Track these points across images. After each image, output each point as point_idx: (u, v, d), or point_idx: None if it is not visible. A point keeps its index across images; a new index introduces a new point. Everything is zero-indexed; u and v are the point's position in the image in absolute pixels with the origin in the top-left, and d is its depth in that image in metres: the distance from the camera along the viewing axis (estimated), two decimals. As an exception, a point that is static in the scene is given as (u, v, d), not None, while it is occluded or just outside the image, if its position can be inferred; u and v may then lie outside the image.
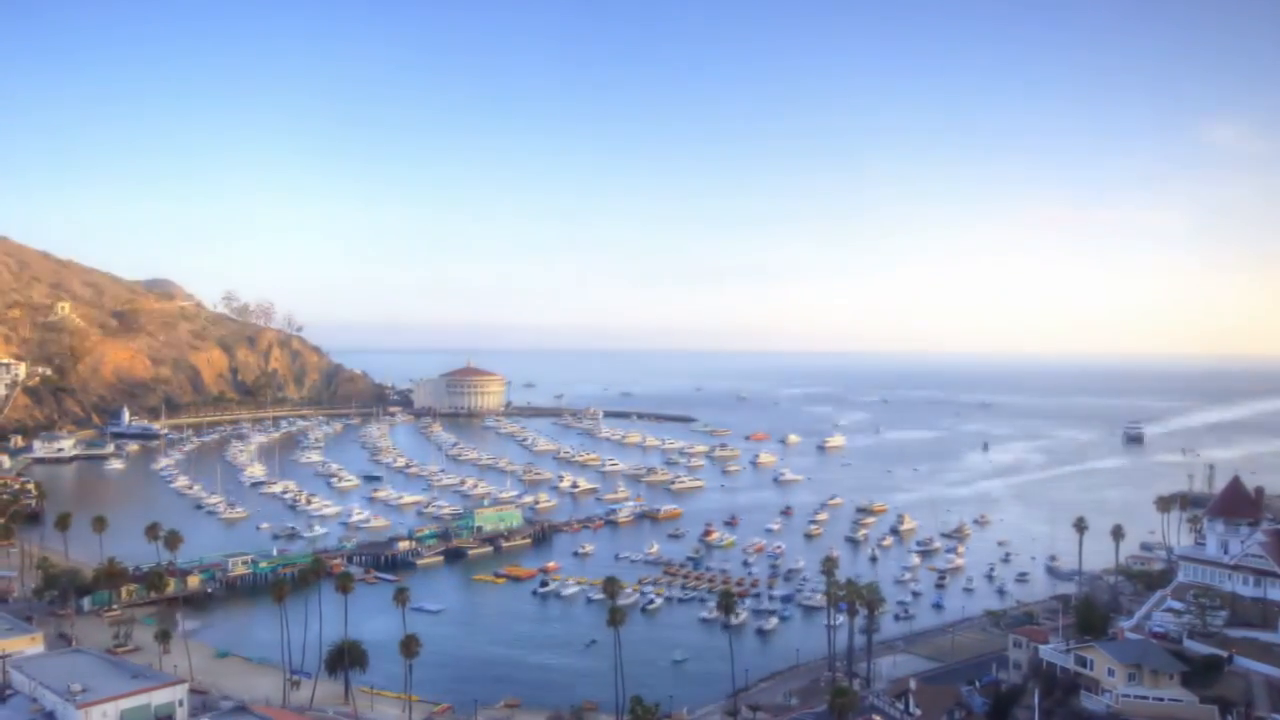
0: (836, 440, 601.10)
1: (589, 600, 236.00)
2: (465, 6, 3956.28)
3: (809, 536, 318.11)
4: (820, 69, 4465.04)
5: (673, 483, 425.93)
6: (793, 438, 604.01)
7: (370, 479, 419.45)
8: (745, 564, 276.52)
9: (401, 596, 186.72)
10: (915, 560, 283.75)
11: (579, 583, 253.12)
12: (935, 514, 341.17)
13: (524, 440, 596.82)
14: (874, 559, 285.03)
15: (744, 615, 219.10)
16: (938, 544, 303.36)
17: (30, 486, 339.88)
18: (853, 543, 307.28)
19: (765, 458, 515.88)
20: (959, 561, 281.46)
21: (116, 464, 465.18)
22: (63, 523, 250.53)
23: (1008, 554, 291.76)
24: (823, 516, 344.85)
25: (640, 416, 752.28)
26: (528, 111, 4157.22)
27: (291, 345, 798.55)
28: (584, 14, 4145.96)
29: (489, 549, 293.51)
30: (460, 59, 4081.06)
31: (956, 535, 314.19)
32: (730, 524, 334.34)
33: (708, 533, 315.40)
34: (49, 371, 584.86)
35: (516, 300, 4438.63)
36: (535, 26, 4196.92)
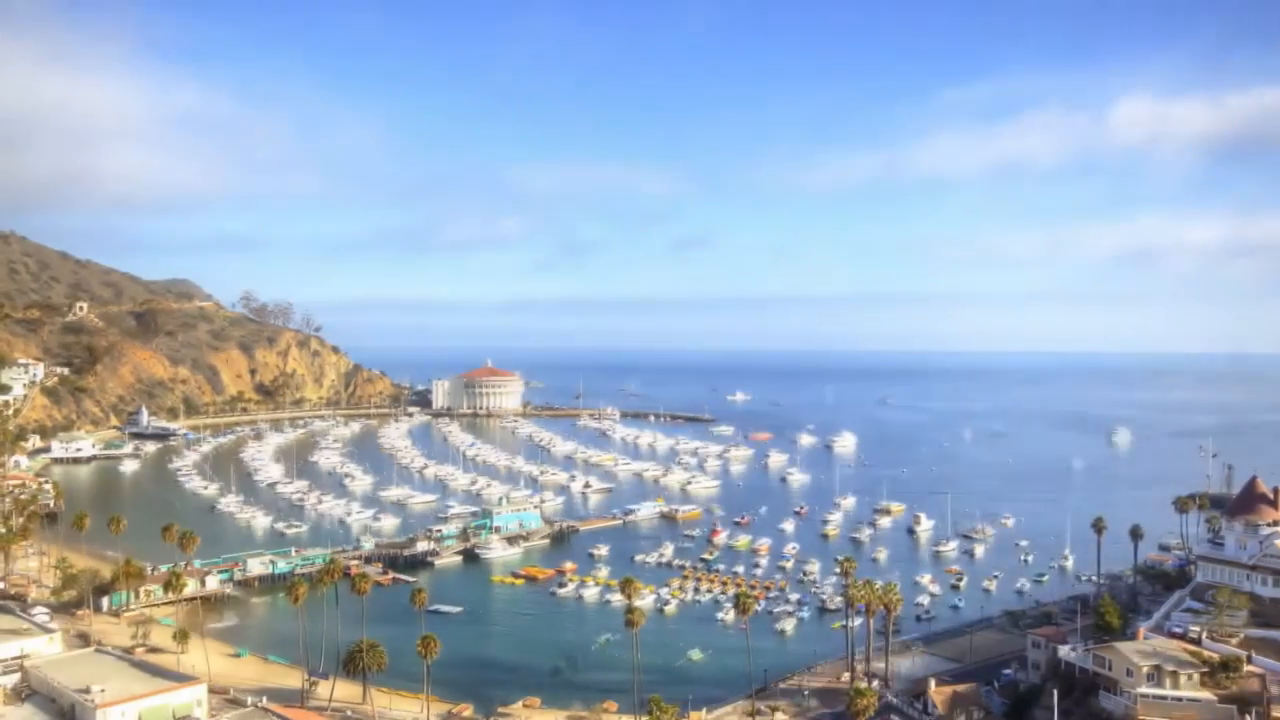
0: (845, 440, 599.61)
1: (607, 600, 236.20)
2: (487, 10, 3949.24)
3: (824, 536, 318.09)
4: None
5: (689, 483, 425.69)
6: (804, 438, 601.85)
7: (387, 479, 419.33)
8: (757, 565, 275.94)
9: (419, 597, 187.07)
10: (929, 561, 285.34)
11: (597, 583, 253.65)
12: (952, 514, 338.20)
13: (541, 441, 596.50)
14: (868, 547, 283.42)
15: (761, 615, 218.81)
16: (953, 544, 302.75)
17: (48, 486, 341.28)
18: (856, 542, 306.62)
19: (775, 458, 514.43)
20: (978, 556, 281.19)
21: (132, 464, 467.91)
22: (80, 522, 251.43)
23: (1026, 556, 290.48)
24: (835, 517, 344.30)
25: (657, 417, 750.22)
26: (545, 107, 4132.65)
27: (310, 345, 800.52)
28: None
29: (507, 550, 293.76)
30: (472, 58, 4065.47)
31: (975, 536, 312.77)
32: (740, 524, 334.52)
33: (714, 532, 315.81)
34: (67, 372, 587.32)
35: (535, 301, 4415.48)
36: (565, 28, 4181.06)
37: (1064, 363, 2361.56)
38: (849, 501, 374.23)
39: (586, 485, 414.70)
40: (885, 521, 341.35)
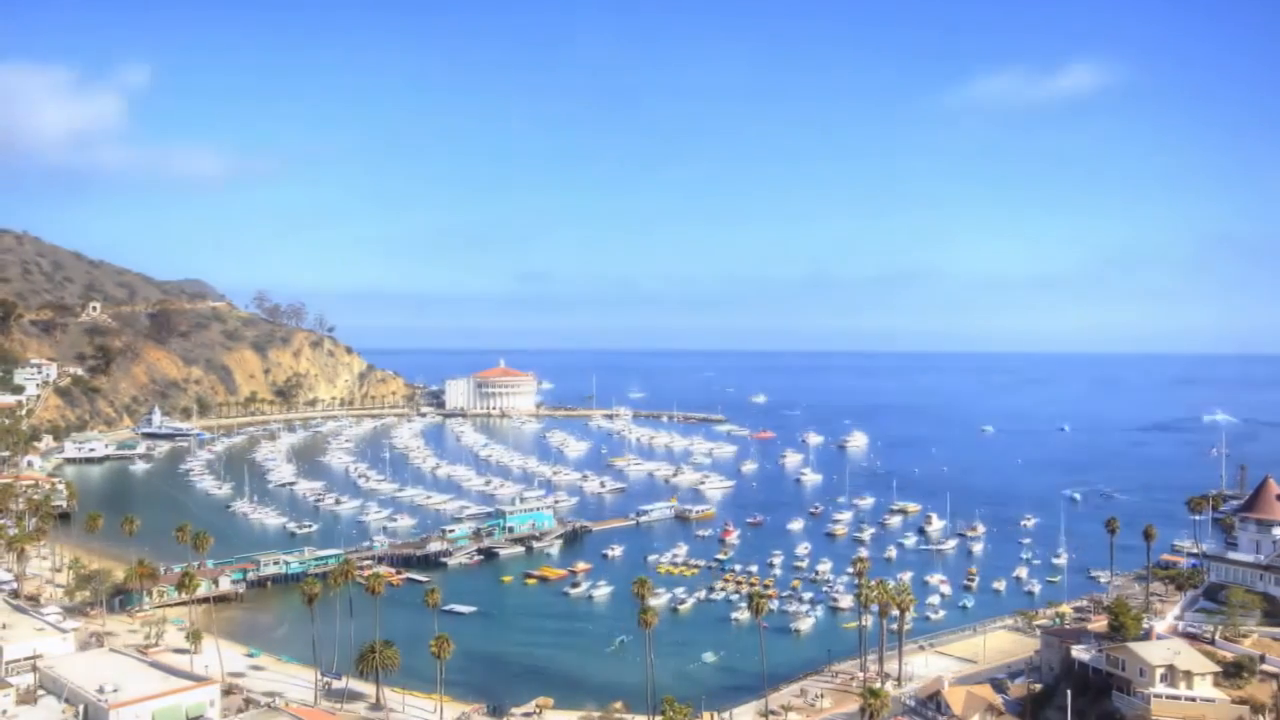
0: (857, 439, 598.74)
1: (619, 601, 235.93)
2: (496, 17, 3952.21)
3: (833, 536, 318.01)
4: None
5: (702, 483, 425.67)
6: (813, 437, 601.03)
7: (400, 479, 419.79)
8: (769, 564, 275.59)
9: (432, 597, 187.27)
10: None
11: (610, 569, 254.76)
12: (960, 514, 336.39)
13: (554, 441, 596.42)
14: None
15: (774, 615, 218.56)
16: (952, 542, 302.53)
17: (61, 486, 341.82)
18: (870, 544, 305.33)
19: (791, 457, 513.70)
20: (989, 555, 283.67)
21: (143, 464, 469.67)
22: (93, 523, 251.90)
23: (1034, 556, 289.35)
24: (846, 516, 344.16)
25: (670, 417, 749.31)
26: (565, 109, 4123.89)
27: (323, 346, 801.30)
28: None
29: (520, 550, 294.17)
30: (487, 63, 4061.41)
31: (972, 535, 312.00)
32: (753, 524, 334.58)
33: (725, 531, 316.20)
34: (80, 372, 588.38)
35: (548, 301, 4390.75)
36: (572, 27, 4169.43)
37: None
38: (867, 501, 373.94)
39: (601, 485, 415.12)
40: (896, 521, 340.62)
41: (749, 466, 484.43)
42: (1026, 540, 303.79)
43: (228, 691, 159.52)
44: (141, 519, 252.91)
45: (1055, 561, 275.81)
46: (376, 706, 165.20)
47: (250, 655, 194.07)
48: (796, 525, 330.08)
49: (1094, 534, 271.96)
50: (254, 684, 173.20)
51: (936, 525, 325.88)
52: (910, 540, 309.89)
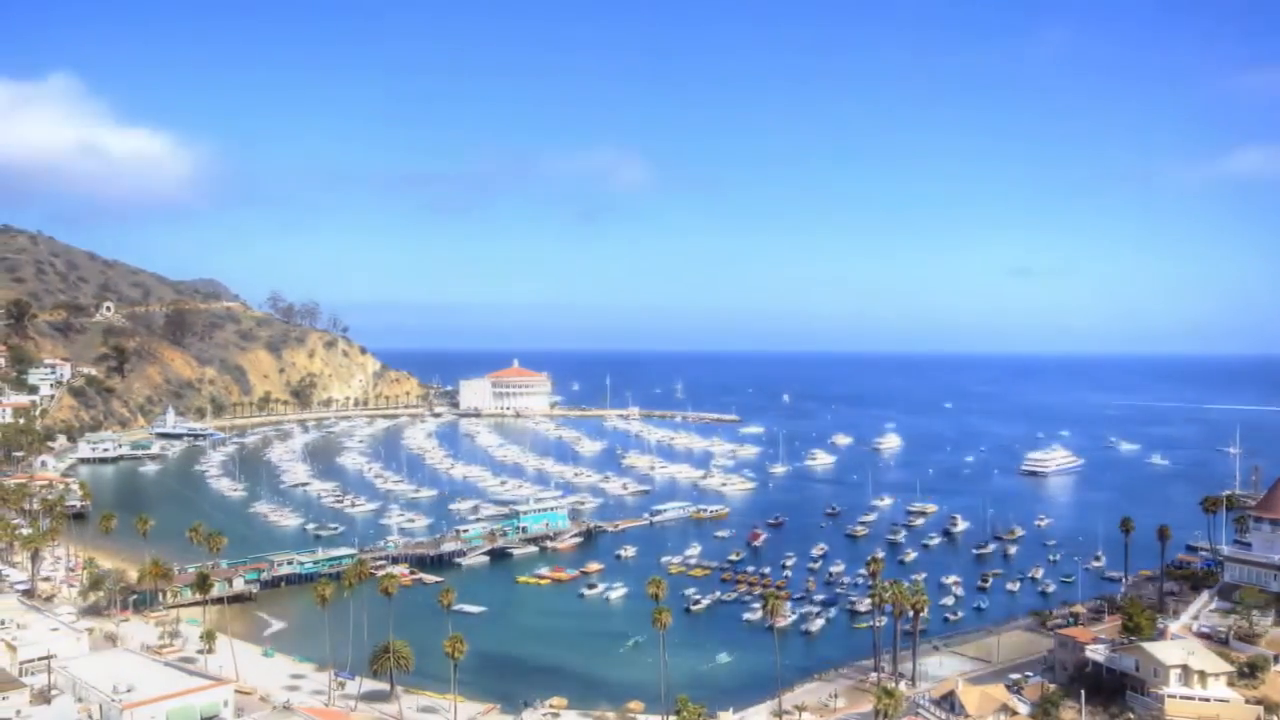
0: (890, 440, 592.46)
1: (634, 601, 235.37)
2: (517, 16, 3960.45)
3: (853, 537, 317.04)
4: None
5: (724, 485, 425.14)
6: (841, 438, 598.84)
7: (414, 479, 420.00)
8: (783, 566, 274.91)
9: (446, 597, 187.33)
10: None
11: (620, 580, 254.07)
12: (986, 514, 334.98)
13: (569, 441, 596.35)
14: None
15: (789, 616, 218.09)
16: (991, 546, 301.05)
17: (75, 486, 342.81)
18: (892, 545, 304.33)
19: (822, 458, 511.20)
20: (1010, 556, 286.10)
21: (158, 464, 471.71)
22: (106, 523, 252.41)
23: (1053, 555, 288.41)
24: (869, 518, 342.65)
25: (684, 418, 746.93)
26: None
27: (337, 346, 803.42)
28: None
29: (534, 550, 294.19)
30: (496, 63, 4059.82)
31: (1007, 537, 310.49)
32: (774, 525, 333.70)
33: (753, 535, 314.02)
34: (94, 372, 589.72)
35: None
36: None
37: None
38: (885, 501, 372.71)
39: (624, 487, 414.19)
40: (919, 522, 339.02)
41: (776, 468, 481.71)
42: (1052, 542, 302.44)
43: (241, 692, 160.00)
44: (156, 519, 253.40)
45: (1080, 562, 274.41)
46: (390, 707, 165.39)
47: (265, 655, 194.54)
48: (818, 526, 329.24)
49: (1112, 534, 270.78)
50: (268, 684, 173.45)
51: (961, 526, 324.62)
52: (935, 542, 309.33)
